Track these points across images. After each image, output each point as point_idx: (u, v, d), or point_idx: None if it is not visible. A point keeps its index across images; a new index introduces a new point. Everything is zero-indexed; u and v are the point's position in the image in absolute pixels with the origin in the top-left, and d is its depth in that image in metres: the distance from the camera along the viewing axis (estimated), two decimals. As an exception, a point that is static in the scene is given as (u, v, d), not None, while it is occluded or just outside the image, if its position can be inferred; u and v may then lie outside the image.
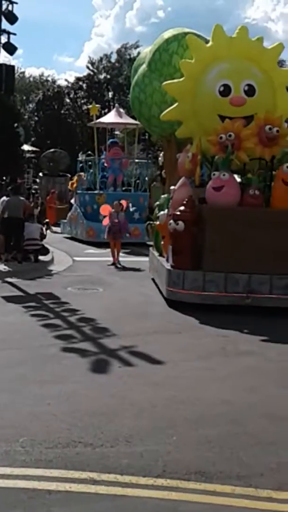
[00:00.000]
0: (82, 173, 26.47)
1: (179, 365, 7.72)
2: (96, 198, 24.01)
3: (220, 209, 11.26)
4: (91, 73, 65.02)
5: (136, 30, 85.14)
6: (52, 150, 40.48)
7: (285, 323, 10.38)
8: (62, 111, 62.36)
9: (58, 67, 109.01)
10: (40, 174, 39.81)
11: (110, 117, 27.86)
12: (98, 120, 27.65)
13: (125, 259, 17.57)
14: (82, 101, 63.68)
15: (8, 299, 11.75)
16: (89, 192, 25.15)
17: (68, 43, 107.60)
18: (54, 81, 68.07)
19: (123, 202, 18.26)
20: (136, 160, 26.93)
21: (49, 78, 69.44)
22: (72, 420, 5.64)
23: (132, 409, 6.03)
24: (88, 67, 65.94)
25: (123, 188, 25.07)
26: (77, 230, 24.87)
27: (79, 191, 26.30)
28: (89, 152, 28.12)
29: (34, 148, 37.56)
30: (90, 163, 26.46)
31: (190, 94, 12.57)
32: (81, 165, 27.42)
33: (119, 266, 16.78)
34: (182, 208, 11.57)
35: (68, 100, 64.06)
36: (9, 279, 13.98)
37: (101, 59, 66.51)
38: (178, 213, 11.53)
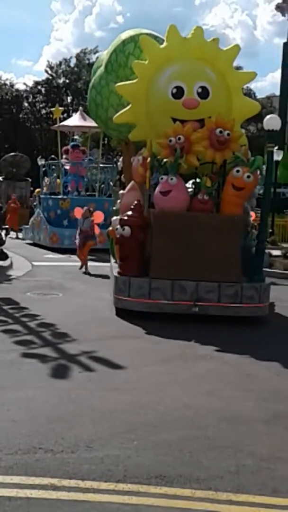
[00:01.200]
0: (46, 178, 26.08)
1: (139, 369, 7.75)
2: (59, 203, 23.76)
3: (166, 214, 10.99)
4: (50, 77, 64.79)
5: (95, 35, 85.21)
6: (12, 154, 40.05)
7: (236, 332, 10.23)
8: (21, 115, 62.01)
9: (17, 71, 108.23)
10: (0, 178, 39.30)
11: (74, 120, 27.56)
12: (62, 123, 27.34)
13: (89, 264, 17.51)
14: (41, 105, 63.40)
15: None
16: (53, 196, 24.86)
17: (27, 47, 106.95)
18: (12, 85, 67.53)
19: (92, 207, 17.71)
20: (101, 165, 26.69)
21: (7, 82, 68.88)
22: (32, 426, 5.62)
23: (93, 414, 6.03)
24: (47, 71, 65.71)
25: (87, 193, 24.96)
26: (40, 235, 24.46)
27: (42, 196, 25.97)
28: (53, 156, 27.92)
29: None
30: (53, 167, 26.21)
31: (143, 96, 12.16)
32: (44, 169, 27.13)
33: (86, 271, 16.65)
34: (129, 212, 11.36)
35: (26, 104, 63.69)
36: None
37: (60, 63, 66.34)
38: (125, 218, 11.31)
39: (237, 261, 10.86)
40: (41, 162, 33.93)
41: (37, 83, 64.12)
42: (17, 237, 27.58)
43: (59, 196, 24.39)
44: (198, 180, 11.54)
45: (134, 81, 12.50)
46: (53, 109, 27.44)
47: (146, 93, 12.10)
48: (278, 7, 49.13)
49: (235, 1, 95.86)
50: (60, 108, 27.48)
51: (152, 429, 5.70)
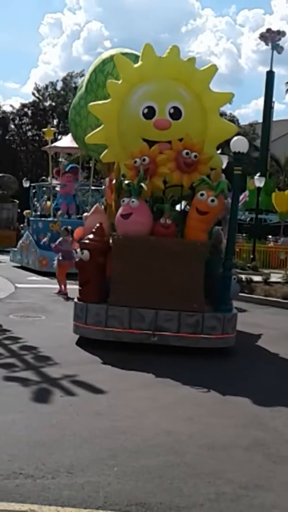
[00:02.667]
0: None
1: (121, 394, 7.77)
2: (50, 226, 23.50)
3: (124, 238, 10.53)
4: (37, 100, 65.17)
5: (82, 59, 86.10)
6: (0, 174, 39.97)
7: (206, 360, 9.95)
8: (7, 137, 62.19)
9: (4, 93, 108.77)
10: None
11: (66, 141, 27.09)
12: (53, 144, 27.14)
13: (70, 286, 17.48)
14: (27, 128, 63.69)
15: None
16: (43, 219, 24.48)
17: (15, 69, 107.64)
18: (-1, 106, 67.84)
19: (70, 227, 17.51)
20: (93, 187, 26.41)
21: (-6, 103, 69.13)
22: (13, 451, 5.61)
23: (74, 440, 6.03)
24: (34, 94, 66.13)
25: (78, 216, 24.90)
26: (29, 259, 24.00)
27: (31, 218, 25.54)
28: (44, 177, 27.81)
29: None
30: (44, 188, 26.04)
31: (115, 116, 11.76)
32: (34, 190, 26.88)
33: (66, 296, 16.42)
34: (90, 236, 11.01)
35: (13, 126, 63.94)
36: None
37: (46, 86, 66.83)
38: (86, 241, 10.97)
39: (200, 289, 10.38)
40: (26, 184, 33.80)
41: (23, 106, 64.48)
42: None
43: (49, 219, 24.17)
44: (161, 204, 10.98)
45: (107, 101, 12.12)
46: (44, 129, 27.27)
47: (118, 113, 11.75)
48: (262, 36, 49.89)
49: (220, 29, 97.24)
50: (52, 128, 27.34)
51: (132, 455, 5.71)
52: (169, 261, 10.31)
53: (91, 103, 12.89)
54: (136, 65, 11.95)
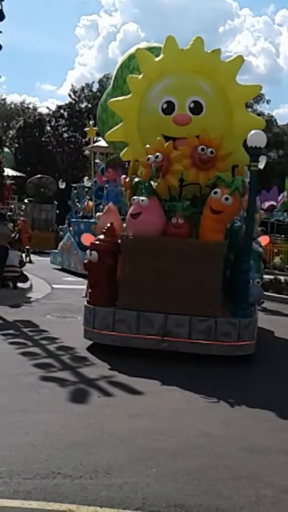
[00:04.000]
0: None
1: (157, 395, 7.71)
2: (92, 227, 23.20)
3: (133, 238, 10.02)
4: (73, 101, 65.55)
5: (118, 60, 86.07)
6: (38, 176, 39.95)
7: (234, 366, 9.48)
8: (43, 139, 62.67)
9: (41, 95, 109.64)
10: (26, 200, 39.23)
11: (105, 142, 26.93)
12: (95, 144, 26.78)
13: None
14: (63, 129, 64.09)
15: (-14, 326, 11.67)
16: (85, 220, 23.90)
17: (52, 72, 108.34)
18: (35, 109, 68.45)
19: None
20: None
21: (30, 106, 69.80)
22: (51, 450, 5.61)
23: (111, 440, 6.00)
24: (70, 96, 66.53)
25: (121, 217, 24.55)
26: (70, 261, 23.69)
27: (73, 220, 25.13)
28: (86, 177, 27.33)
29: (20, 174, 36.95)
30: (86, 189, 25.76)
31: (135, 112, 11.24)
32: (75, 191, 26.59)
33: None
34: (100, 236, 10.53)
35: (49, 128, 64.41)
36: (-13, 306, 13.90)
37: (83, 88, 67.14)
38: (96, 242, 10.51)
39: (215, 293, 9.70)
40: (62, 185, 33.66)
41: (59, 107, 64.92)
42: (30, 261, 27.00)
43: (92, 220, 23.92)
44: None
45: (127, 96, 11.69)
46: (87, 129, 26.82)
47: (139, 109, 11.26)
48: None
49: (258, 29, 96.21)
50: (95, 127, 26.99)
51: (171, 456, 5.66)
52: (180, 263, 9.71)
53: (111, 100, 12.52)
54: (157, 59, 11.45)
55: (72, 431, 6.20)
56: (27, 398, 7.28)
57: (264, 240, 18.58)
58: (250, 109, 54.60)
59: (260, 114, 56.72)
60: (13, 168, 35.95)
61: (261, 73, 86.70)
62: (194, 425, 6.62)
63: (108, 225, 10.57)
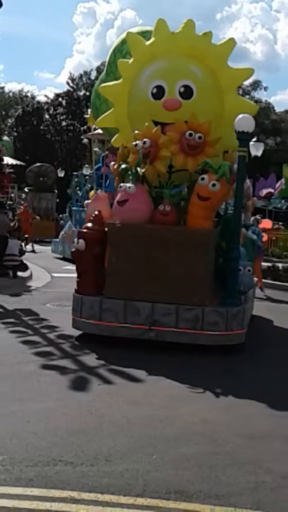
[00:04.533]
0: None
1: (157, 383, 7.76)
2: None
3: (119, 226, 9.81)
4: (71, 89, 65.35)
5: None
6: (38, 164, 39.68)
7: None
8: (41, 127, 62.52)
9: (39, 83, 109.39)
10: (26, 189, 39.08)
11: None
12: (95, 132, 26.61)
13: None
14: (62, 117, 63.94)
15: (-14, 315, 11.71)
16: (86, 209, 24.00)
17: (50, 60, 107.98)
18: (33, 97, 68.29)
19: None
20: None
21: (29, 94, 69.62)
22: (52, 438, 5.66)
23: (112, 427, 6.05)
24: (68, 84, 66.32)
25: None
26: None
27: (74, 208, 25.00)
28: (86, 166, 26.98)
29: (19, 162, 36.75)
30: (87, 177, 25.60)
31: (125, 98, 11.03)
32: (76, 179, 26.39)
33: None
34: (88, 224, 10.33)
35: (47, 116, 64.25)
36: (-13, 295, 13.94)
37: (81, 76, 66.93)
38: (83, 230, 10.33)
39: (202, 281, 9.46)
40: (61, 174, 33.36)
41: (58, 95, 64.74)
42: (32, 251, 27.09)
43: None
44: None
45: (117, 82, 11.46)
46: (87, 115, 26.62)
47: (129, 94, 11.02)
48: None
49: (255, 15, 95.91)
50: None
51: (171, 443, 5.71)
52: (167, 251, 9.49)
53: (102, 85, 12.26)
54: (148, 42, 11.17)
55: (73, 419, 6.24)
56: (27, 386, 7.32)
57: (266, 223, 18.58)
58: (247, 96, 54.66)
59: (257, 101, 56.54)
60: (12, 157, 35.82)
61: (258, 60, 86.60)
62: (193, 413, 6.67)
63: (96, 212, 10.39)
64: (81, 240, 10.01)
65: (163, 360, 8.90)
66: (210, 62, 10.73)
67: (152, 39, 11.13)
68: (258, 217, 17.90)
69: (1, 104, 66.67)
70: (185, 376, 8.11)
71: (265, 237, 17.89)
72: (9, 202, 23.37)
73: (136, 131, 10.26)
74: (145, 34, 12.50)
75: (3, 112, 67.40)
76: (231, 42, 11.09)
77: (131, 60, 11.26)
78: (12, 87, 79.52)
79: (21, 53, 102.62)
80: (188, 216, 9.78)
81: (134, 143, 10.11)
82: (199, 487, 4.81)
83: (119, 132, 11.58)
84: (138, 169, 9.85)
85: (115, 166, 10.64)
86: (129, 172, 9.95)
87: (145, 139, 9.92)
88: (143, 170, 9.87)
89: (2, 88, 70.39)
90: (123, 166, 10.16)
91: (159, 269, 9.51)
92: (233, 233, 10.07)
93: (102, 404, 6.77)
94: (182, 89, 10.36)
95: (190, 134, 9.81)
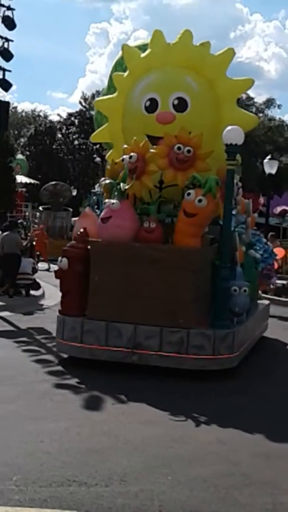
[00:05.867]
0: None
1: (171, 403, 7.68)
2: None
3: (101, 244, 9.40)
4: (84, 109, 65.75)
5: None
6: (53, 183, 39.60)
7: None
8: (54, 146, 62.86)
9: (52, 103, 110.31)
10: (40, 208, 39.02)
11: None
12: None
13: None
14: (74, 136, 64.28)
15: (-1, 333, 11.70)
16: None
17: (63, 80, 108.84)
18: (46, 116, 68.75)
19: None
20: None
21: (41, 114, 70.11)
22: (66, 458, 5.60)
23: (126, 447, 5.99)
24: (81, 103, 66.73)
25: None
26: None
27: None
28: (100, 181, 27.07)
29: (33, 181, 36.74)
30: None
31: (120, 112, 10.72)
32: (94, 197, 26.42)
33: None
34: (72, 242, 10.00)
35: (60, 135, 64.63)
36: (0, 314, 13.93)
37: (93, 95, 67.25)
38: (66, 248, 9.87)
39: (188, 302, 8.89)
40: (73, 192, 33.15)
41: (70, 115, 65.14)
42: (47, 269, 26.98)
43: None
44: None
45: (113, 95, 11.21)
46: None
47: (123, 108, 10.72)
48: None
49: (268, 34, 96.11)
50: None
51: (186, 463, 5.64)
52: (151, 270, 9.00)
53: (97, 99, 11.99)
54: (143, 54, 10.85)
55: (86, 439, 6.19)
56: (41, 405, 7.28)
57: (279, 252, 18.30)
58: (261, 114, 54.74)
59: (271, 119, 56.69)
60: (25, 175, 35.88)
61: (272, 78, 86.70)
62: (207, 432, 6.60)
63: (81, 230, 9.97)
64: (64, 259, 9.60)
65: (175, 381, 8.81)
66: (207, 73, 10.44)
67: (147, 51, 10.86)
68: (273, 233, 17.75)
69: (14, 123, 67.10)
70: (198, 396, 8.05)
71: (281, 253, 17.70)
72: (20, 221, 23.37)
73: (125, 145, 10.01)
74: (146, 47, 12.48)
75: (16, 132, 67.84)
76: (230, 51, 10.76)
77: (126, 73, 11.03)
78: (25, 106, 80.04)
79: (34, 73, 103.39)
80: (175, 234, 9.32)
81: (121, 158, 9.82)
82: (216, 508, 4.73)
83: (113, 147, 11.37)
84: (122, 184, 9.43)
85: (103, 182, 10.34)
86: (114, 188, 9.59)
87: (131, 153, 9.54)
88: (126, 186, 9.45)
89: (15, 107, 70.92)
90: (108, 181, 9.86)
91: (142, 289, 9.04)
92: (223, 251, 9.58)
93: (116, 424, 6.72)
94: (176, 102, 10.08)
95: (179, 148, 9.43)
